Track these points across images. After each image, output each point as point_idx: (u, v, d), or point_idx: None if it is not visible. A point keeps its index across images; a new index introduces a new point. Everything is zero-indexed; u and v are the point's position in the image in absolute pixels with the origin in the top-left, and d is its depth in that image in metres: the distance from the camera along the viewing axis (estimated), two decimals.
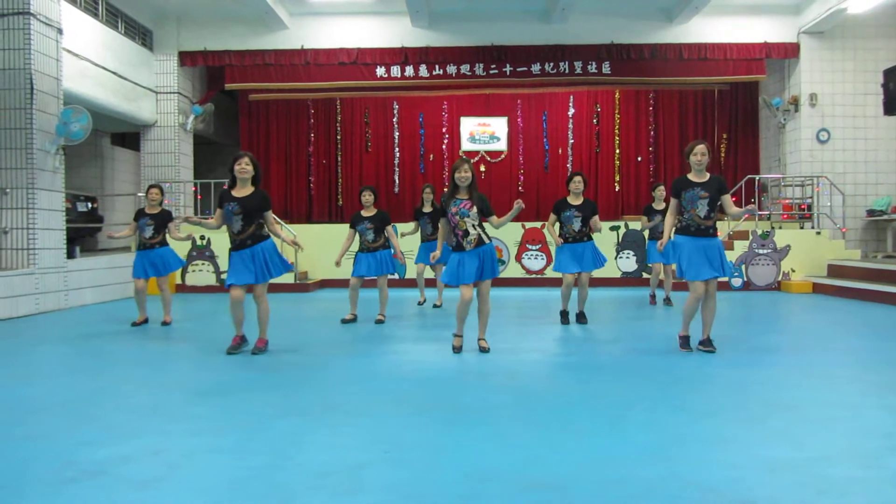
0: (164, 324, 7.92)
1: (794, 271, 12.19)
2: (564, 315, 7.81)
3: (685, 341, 6.00)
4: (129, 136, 16.43)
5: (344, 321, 7.92)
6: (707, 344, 5.91)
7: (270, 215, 6.01)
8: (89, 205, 12.66)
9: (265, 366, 5.48)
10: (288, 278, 12.26)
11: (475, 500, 2.73)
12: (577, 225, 7.57)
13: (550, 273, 12.59)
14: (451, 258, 5.93)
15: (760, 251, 12.21)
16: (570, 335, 7.05)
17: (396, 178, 14.99)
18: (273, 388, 4.73)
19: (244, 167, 5.83)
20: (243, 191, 5.88)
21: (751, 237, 12.24)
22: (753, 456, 3.20)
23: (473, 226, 5.81)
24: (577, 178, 7.65)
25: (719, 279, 5.91)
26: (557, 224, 7.73)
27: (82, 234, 12.45)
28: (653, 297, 9.74)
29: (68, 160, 10.32)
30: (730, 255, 12.19)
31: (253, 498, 2.77)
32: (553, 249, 7.81)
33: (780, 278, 12.20)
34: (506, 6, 13.41)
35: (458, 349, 5.94)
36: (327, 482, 2.91)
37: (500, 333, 6.90)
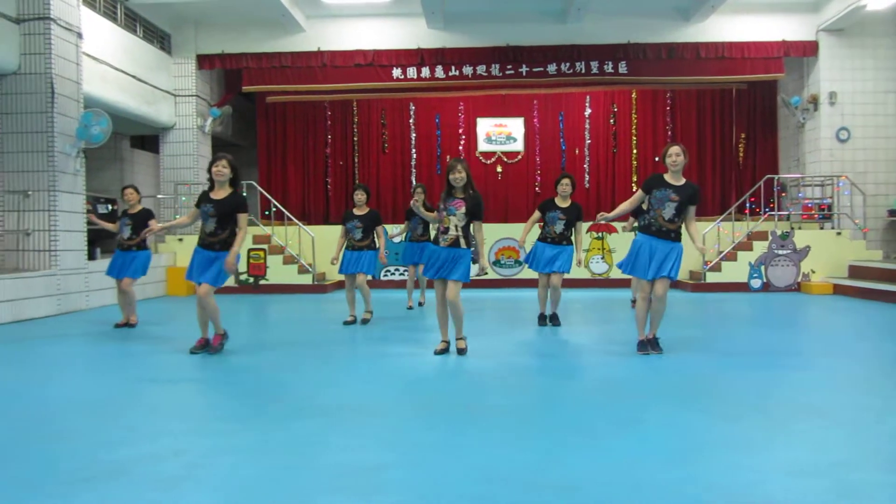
0: (127, 325, 7.82)
1: (814, 272, 12.07)
2: (542, 318, 7.73)
3: (643, 346, 5.92)
4: (148, 138, 16.54)
5: (346, 323, 7.92)
6: (654, 345, 5.86)
7: (244, 219, 5.96)
8: (109, 206, 12.77)
9: (282, 367, 5.51)
10: (306, 279, 12.32)
11: (491, 500, 2.72)
12: (559, 227, 7.47)
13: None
14: (426, 250, 6.01)
15: (780, 252, 12.10)
16: (583, 338, 7.02)
17: (413, 179, 14.99)
18: (290, 390, 4.76)
19: (220, 170, 5.85)
20: (220, 193, 5.91)
21: (770, 238, 12.14)
22: (775, 460, 3.17)
23: (456, 226, 5.76)
24: (566, 181, 7.54)
25: (669, 281, 5.74)
26: (538, 224, 7.67)
27: (103, 236, 12.54)
28: (634, 301, 9.41)
29: (88, 163, 10.43)
30: (749, 255, 12.11)
31: (272, 498, 2.78)
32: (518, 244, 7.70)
33: (799, 279, 12.08)
34: (521, 6, 13.38)
35: (441, 352, 5.88)
36: (345, 483, 2.93)
37: (514, 334, 6.90)
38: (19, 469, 3.13)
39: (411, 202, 6.14)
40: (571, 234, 7.55)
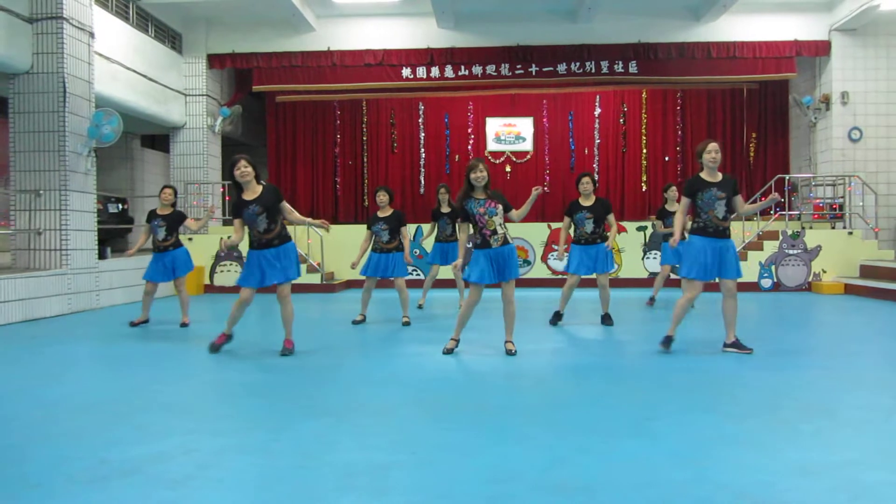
0: (183, 325, 7.88)
1: (825, 272, 12.00)
2: (558, 316, 7.70)
3: (669, 342, 5.89)
4: (158, 138, 16.64)
5: (355, 322, 7.89)
6: (739, 346, 5.83)
7: (286, 205, 5.97)
8: (120, 206, 12.86)
9: (290, 366, 5.52)
10: (314, 279, 12.35)
11: (502, 501, 2.72)
12: (589, 227, 7.46)
13: None
14: (476, 255, 5.82)
15: (791, 251, 12.04)
16: (596, 337, 7.01)
17: (422, 178, 15.02)
18: (299, 389, 4.77)
19: (244, 170, 5.78)
20: (253, 192, 5.83)
21: (781, 237, 12.08)
22: (785, 460, 3.16)
23: (500, 224, 5.77)
24: (585, 179, 7.51)
25: (738, 279, 5.83)
26: (572, 227, 7.62)
27: (113, 235, 12.63)
28: (652, 299, 9.56)
29: (99, 162, 10.48)
30: (759, 255, 12.05)
31: (282, 497, 2.78)
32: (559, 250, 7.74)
33: (810, 279, 12.02)
34: (531, 6, 13.36)
35: (449, 351, 5.87)
36: (355, 482, 2.93)
37: (526, 335, 6.88)
38: (28, 469, 3.15)
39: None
40: (603, 231, 7.54)
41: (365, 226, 8.19)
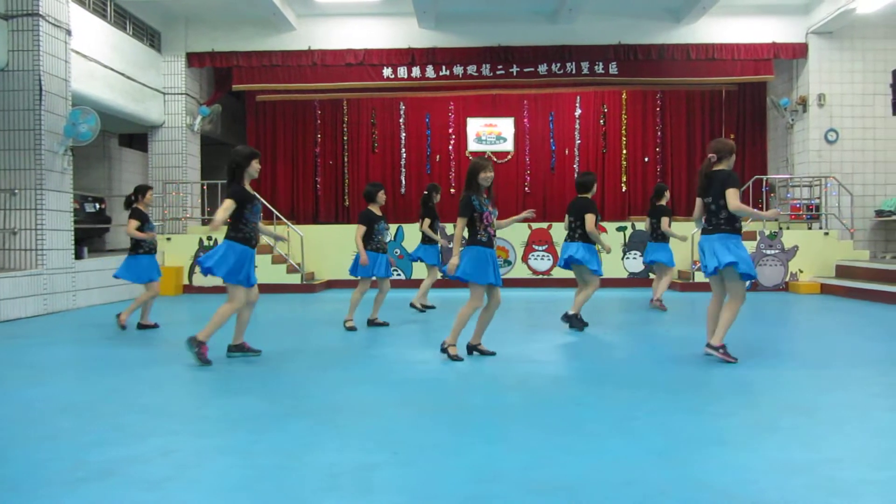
0: (121, 323, 7.59)
1: (801, 272, 12.15)
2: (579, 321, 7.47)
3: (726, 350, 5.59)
4: (136, 136, 16.46)
5: (351, 329, 7.54)
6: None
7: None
8: (97, 205, 12.70)
9: (272, 367, 5.48)
10: (295, 279, 12.29)
11: (485, 500, 2.72)
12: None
13: (557, 274, 12.57)
14: (482, 253, 5.49)
15: (768, 252, 12.17)
16: (577, 337, 7.03)
17: (403, 178, 14.99)
18: (280, 390, 4.74)
19: (259, 168, 5.74)
20: (251, 189, 5.75)
21: (758, 237, 12.20)
22: (765, 458, 3.19)
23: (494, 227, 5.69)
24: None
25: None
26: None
27: (90, 235, 12.48)
28: (659, 301, 9.17)
29: (76, 161, 10.35)
30: None
31: (263, 498, 2.77)
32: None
33: (787, 279, 12.15)
34: (513, 7, 13.39)
35: (459, 358, 5.63)
36: (337, 483, 2.92)
37: (507, 335, 6.89)
38: (6, 471, 3.10)
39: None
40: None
41: (351, 226, 7.99)
